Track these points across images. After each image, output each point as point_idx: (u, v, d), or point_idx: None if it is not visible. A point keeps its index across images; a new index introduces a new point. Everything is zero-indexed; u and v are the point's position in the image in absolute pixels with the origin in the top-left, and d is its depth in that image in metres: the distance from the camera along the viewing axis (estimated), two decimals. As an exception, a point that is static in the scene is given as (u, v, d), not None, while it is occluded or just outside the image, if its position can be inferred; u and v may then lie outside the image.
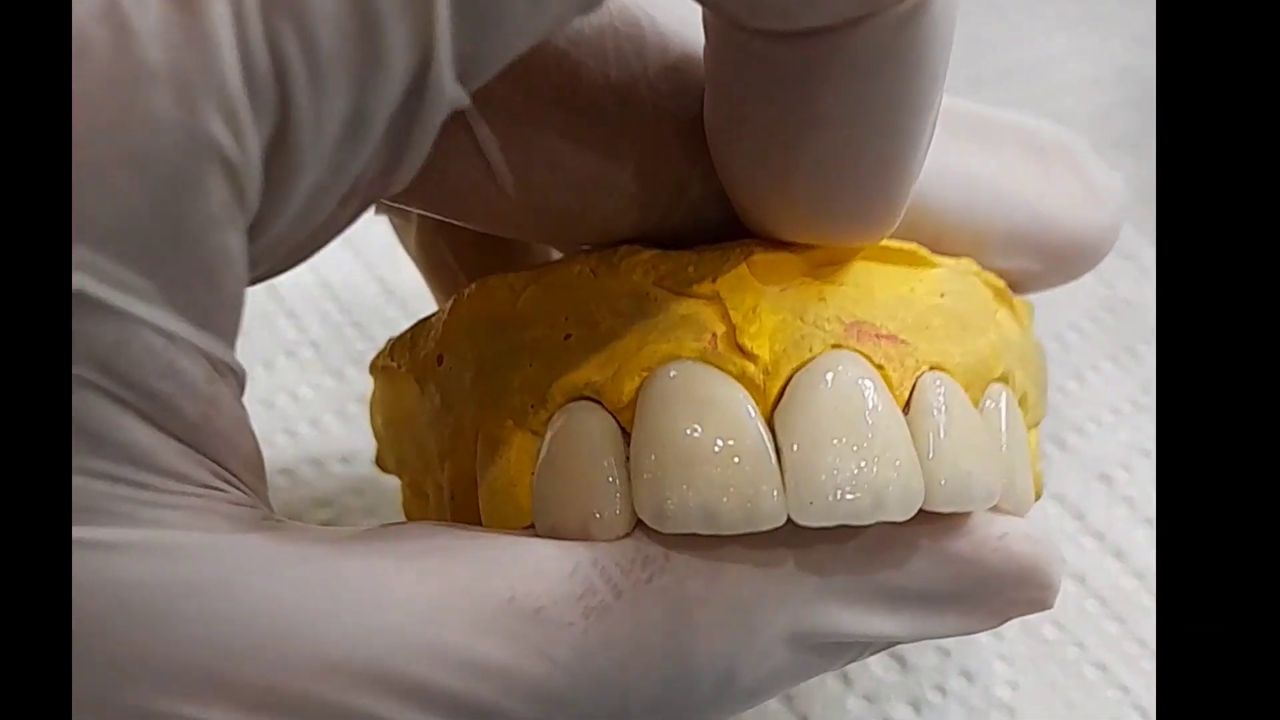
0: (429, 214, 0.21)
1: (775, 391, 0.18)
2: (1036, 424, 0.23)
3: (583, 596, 0.18)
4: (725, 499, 0.17)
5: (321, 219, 0.17)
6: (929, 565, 0.19)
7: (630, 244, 0.20)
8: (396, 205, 0.20)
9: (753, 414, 0.18)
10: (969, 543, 0.19)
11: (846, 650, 0.19)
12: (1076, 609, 0.31)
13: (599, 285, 0.19)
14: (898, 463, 0.18)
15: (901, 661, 0.30)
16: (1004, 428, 0.20)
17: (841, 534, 0.18)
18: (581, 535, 0.19)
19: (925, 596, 0.19)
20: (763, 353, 0.18)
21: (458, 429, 0.21)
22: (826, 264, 0.19)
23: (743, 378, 0.18)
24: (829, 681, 0.29)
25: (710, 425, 0.18)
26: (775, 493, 0.18)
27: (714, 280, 0.19)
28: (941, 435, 0.18)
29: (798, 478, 0.18)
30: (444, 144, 0.17)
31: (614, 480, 0.18)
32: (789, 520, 0.18)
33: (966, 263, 0.21)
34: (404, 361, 0.22)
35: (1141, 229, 0.40)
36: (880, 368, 0.19)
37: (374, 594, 0.17)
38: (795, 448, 0.18)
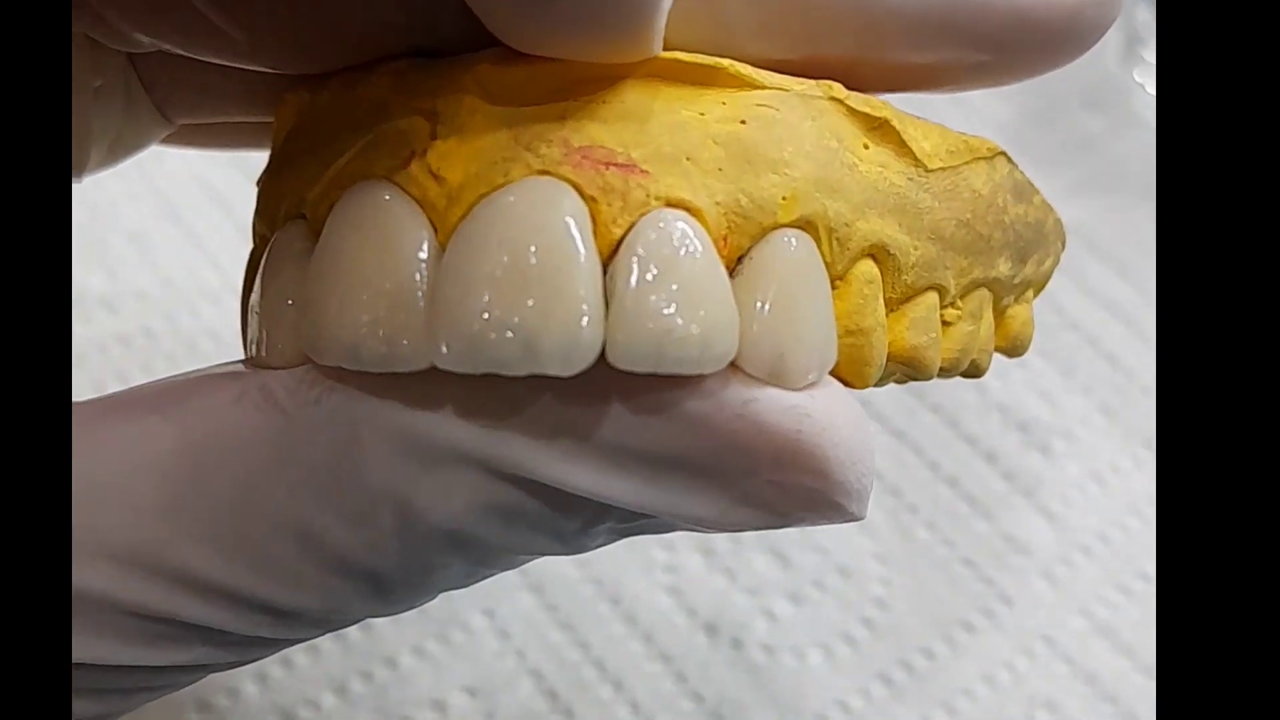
0: (185, 54, 0.18)
1: (455, 220, 0.16)
2: (940, 287, 0.19)
3: (248, 423, 0.17)
4: (366, 335, 0.16)
5: None
6: (652, 421, 0.16)
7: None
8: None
9: (418, 243, 0.16)
10: (702, 402, 0.16)
11: (577, 506, 0.17)
12: (948, 511, 0.33)
13: (351, 97, 0.18)
14: (566, 309, 0.15)
15: (783, 559, 0.32)
16: (772, 284, 0.17)
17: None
18: (262, 363, 0.18)
19: (656, 461, 0.16)
20: (453, 175, 0.16)
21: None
22: (595, 80, 0.17)
23: (424, 202, 0.17)
24: (716, 578, 0.31)
25: (369, 254, 0.16)
26: (417, 333, 0.16)
27: (438, 93, 0.17)
28: (643, 281, 0.16)
29: (442, 317, 0.16)
30: None
31: (289, 305, 0.17)
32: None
33: (823, 86, 0.18)
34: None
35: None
36: (592, 200, 0.16)
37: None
38: (448, 284, 0.16)
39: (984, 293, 0.20)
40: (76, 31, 0.18)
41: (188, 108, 0.22)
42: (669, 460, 0.16)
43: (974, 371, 0.21)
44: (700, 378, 0.16)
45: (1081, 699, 0.30)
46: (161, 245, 0.38)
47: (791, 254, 0.17)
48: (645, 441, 0.16)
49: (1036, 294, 0.22)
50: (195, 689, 0.28)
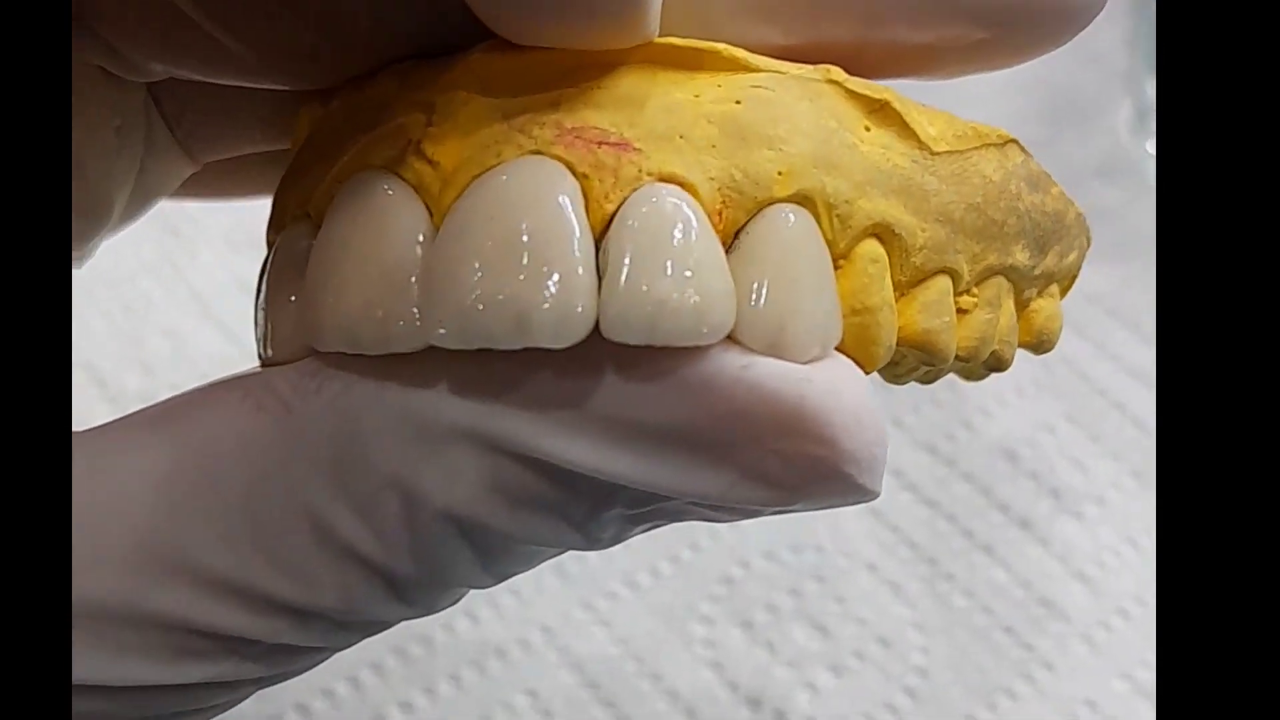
0: (198, 78, 0.19)
1: (449, 201, 0.17)
2: (952, 271, 0.19)
3: (252, 422, 0.17)
4: (361, 318, 0.16)
5: None
6: (651, 392, 0.16)
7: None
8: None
9: (412, 225, 0.17)
10: (700, 368, 0.16)
11: (581, 485, 0.17)
12: (985, 578, 0.33)
13: (359, 99, 0.18)
14: (557, 281, 0.16)
15: (823, 630, 0.32)
16: (770, 257, 0.17)
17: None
18: (270, 361, 0.18)
19: (658, 433, 0.16)
20: (447, 160, 0.17)
21: None
22: (591, 68, 0.17)
23: (419, 186, 0.17)
24: (756, 651, 0.31)
25: (364, 239, 0.17)
26: (413, 312, 0.16)
27: (434, 87, 0.17)
28: (635, 253, 0.16)
29: (434, 295, 0.16)
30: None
31: (291, 301, 0.18)
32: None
33: (821, 70, 0.18)
34: None
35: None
36: (584, 177, 0.16)
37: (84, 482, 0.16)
38: (441, 262, 0.16)
39: (1001, 281, 0.20)
40: (91, 65, 0.18)
41: (212, 140, 0.22)
42: (670, 432, 0.16)
43: (996, 364, 0.21)
44: (698, 347, 0.16)
45: (1129, 763, 0.30)
46: (196, 341, 0.38)
47: (789, 228, 0.17)
48: (645, 413, 0.16)
49: (1063, 291, 0.22)
50: None
